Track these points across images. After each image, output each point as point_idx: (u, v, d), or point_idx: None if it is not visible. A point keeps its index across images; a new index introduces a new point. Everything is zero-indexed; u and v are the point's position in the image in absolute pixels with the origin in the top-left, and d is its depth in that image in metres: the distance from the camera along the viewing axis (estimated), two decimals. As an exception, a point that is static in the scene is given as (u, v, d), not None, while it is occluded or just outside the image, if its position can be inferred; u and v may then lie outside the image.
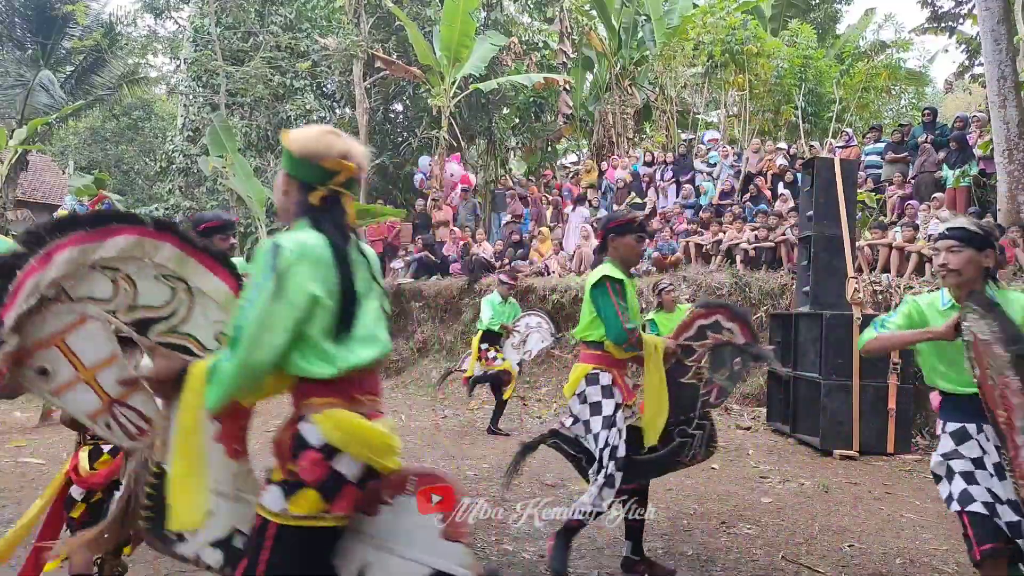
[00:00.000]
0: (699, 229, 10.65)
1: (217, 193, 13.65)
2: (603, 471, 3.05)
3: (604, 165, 13.86)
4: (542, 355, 8.61)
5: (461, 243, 12.54)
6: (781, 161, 11.41)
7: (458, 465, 5.81)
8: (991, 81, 8.38)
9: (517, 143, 16.79)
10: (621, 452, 3.08)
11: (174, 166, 14.45)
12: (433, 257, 12.54)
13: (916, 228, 8.42)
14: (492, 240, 13.01)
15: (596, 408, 3.17)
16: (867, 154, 11.04)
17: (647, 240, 3.30)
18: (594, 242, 11.15)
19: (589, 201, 12.90)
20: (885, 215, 9.81)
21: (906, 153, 10.38)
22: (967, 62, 16.27)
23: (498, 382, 7.26)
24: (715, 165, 12.18)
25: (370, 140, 15.22)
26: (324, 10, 15.87)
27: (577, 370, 3.31)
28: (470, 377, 7.39)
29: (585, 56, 16.88)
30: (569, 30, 15.54)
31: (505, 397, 7.26)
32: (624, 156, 14.25)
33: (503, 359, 7.28)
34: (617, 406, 3.16)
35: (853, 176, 7.27)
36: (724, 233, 10.04)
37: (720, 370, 3.43)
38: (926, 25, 16.24)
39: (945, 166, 9.55)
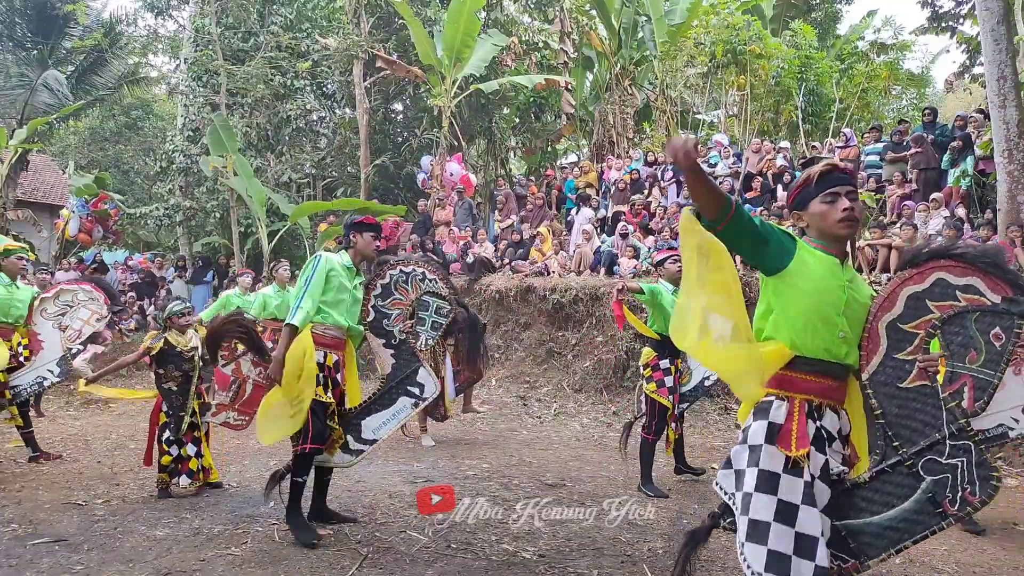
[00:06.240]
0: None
1: (217, 193, 13.63)
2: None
3: (603, 166, 13.85)
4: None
5: (461, 243, 12.55)
6: (781, 161, 11.41)
7: (458, 465, 5.81)
8: (991, 81, 8.37)
9: (517, 143, 16.78)
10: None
11: (174, 166, 14.44)
12: (434, 257, 12.56)
13: (915, 228, 8.42)
14: (493, 240, 13.00)
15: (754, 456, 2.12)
16: (867, 154, 11.04)
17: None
18: (596, 242, 11.20)
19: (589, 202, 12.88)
20: (885, 215, 9.82)
21: (905, 153, 10.39)
22: (967, 62, 16.25)
23: None
24: (715, 165, 12.18)
25: (370, 140, 15.21)
26: (324, 10, 15.87)
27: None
28: None
29: (585, 56, 16.88)
30: (569, 30, 15.54)
31: None
32: (623, 156, 14.25)
33: None
34: (788, 461, 2.09)
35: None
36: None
37: (965, 353, 2.17)
38: (926, 25, 16.22)
39: (944, 161, 9.58)
